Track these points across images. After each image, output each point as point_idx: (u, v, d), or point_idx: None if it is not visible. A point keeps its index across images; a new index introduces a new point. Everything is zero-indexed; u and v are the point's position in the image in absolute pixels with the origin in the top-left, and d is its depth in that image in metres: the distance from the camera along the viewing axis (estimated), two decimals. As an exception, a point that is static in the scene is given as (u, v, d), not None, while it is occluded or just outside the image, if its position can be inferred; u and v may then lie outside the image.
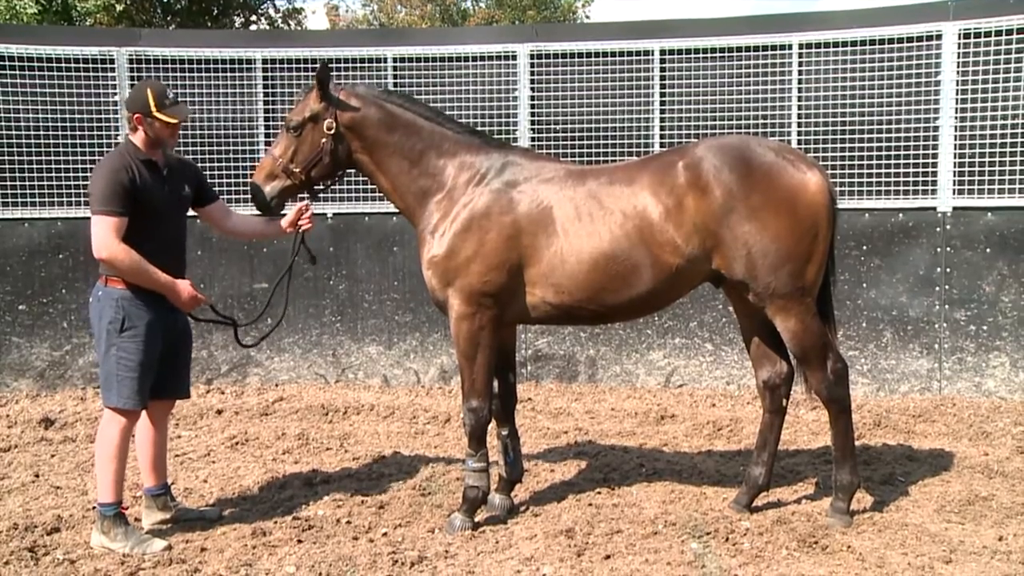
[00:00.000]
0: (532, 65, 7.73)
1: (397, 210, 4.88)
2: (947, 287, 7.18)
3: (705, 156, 4.27)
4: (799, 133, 7.42)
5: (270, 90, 7.91)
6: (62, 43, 7.82)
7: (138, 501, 4.75)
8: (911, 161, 7.17)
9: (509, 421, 4.78)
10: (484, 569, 3.97)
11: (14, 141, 7.66)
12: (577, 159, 7.52)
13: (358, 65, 7.86)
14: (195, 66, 7.85)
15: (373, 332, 7.96)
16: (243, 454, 5.91)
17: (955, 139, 7.07)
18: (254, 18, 21.55)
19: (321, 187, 4.75)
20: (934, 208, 7.18)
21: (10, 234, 7.75)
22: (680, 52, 7.57)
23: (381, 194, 4.92)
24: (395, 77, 7.84)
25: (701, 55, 7.55)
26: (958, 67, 7.02)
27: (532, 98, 7.74)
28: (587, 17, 32.06)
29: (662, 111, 7.61)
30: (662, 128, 7.62)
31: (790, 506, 4.75)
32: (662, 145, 7.55)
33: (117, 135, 7.70)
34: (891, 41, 7.19)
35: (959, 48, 7.01)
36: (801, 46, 7.38)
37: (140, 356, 4.20)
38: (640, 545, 4.19)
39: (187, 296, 4.32)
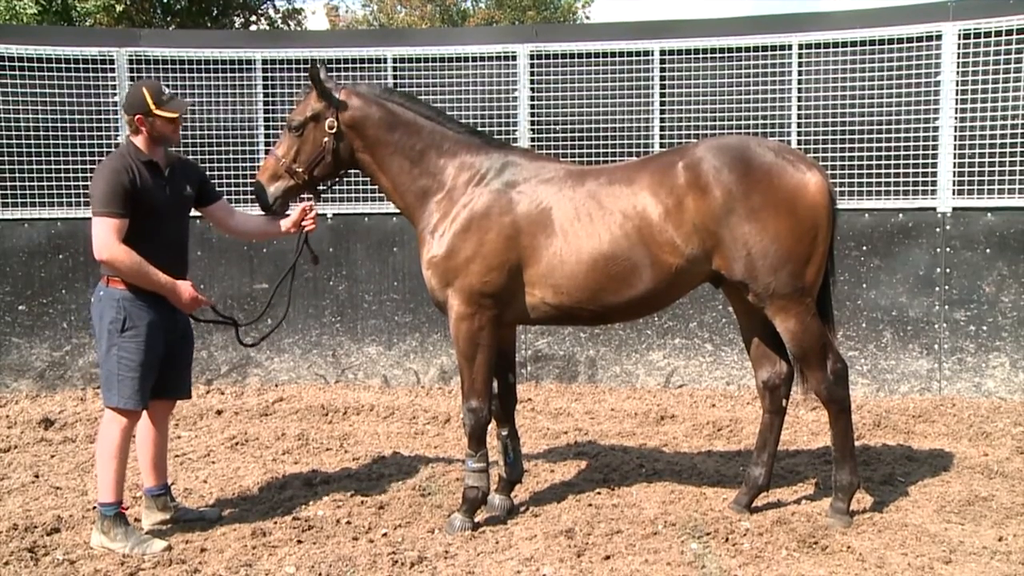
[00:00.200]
0: (532, 65, 7.74)
1: (397, 210, 4.89)
2: (947, 287, 7.18)
3: (705, 156, 4.27)
4: (799, 133, 7.42)
5: (270, 90, 7.92)
6: (62, 43, 7.83)
7: (138, 501, 4.75)
8: (911, 161, 7.17)
9: (509, 421, 4.79)
10: (484, 569, 3.97)
11: (14, 141, 7.66)
12: (577, 159, 7.52)
13: (358, 65, 7.86)
14: (195, 66, 7.85)
15: (373, 332, 7.96)
16: (243, 454, 5.91)
17: (955, 139, 7.07)
18: (254, 18, 21.53)
19: (323, 187, 4.77)
20: (934, 208, 7.18)
21: (10, 234, 7.76)
22: (680, 52, 7.57)
23: (381, 194, 4.93)
24: (395, 77, 7.84)
25: (701, 55, 7.55)
26: (958, 67, 7.02)
27: (532, 98, 7.74)
28: (587, 17, 32.07)
29: (662, 111, 7.61)
30: (662, 128, 7.62)
31: (790, 506, 4.75)
32: (662, 145, 7.55)
33: (117, 135, 7.70)
34: (891, 41, 7.19)
35: (959, 48, 7.01)
36: (801, 46, 7.38)
37: (141, 356, 4.21)
38: (640, 545, 4.19)
39: (188, 297, 4.32)
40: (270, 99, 7.91)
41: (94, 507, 4.51)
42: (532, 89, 7.74)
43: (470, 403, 4.47)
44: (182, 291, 4.30)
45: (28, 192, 7.70)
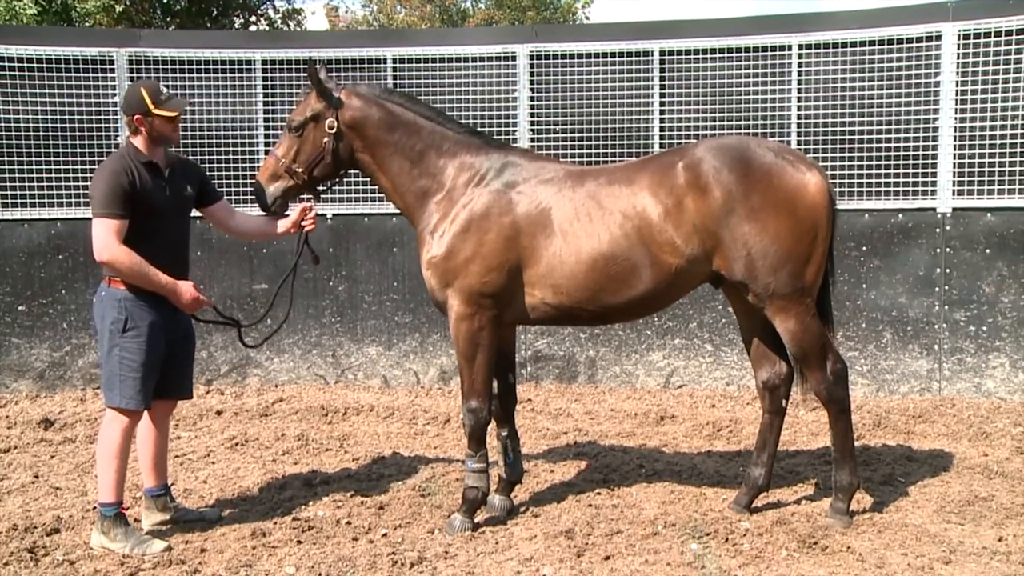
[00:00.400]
0: (532, 66, 7.74)
1: (397, 210, 4.89)
2: (947, 288, 7.18)
3: (705, 157, 4.27)
4: (799, 133, 7.42)
5: (270, 91, 7.92)
6: (62, 44, 7.83)
7: (138, 502, 4.75)
8: (911, 162, 7.17)
9: (509, 422, 4.79)
10: (484, 570, 3.97)
11: (14, 142, 7.66)
12: (577, 160, 7.52)
13: (358, 66, 7.87)
14: (195, 67, 7.85)
15: (373, 333, 7.96)
16: (243, 455, 5.91)
17: (955, 140, 7.07)
18: (253, 19, 21.55)
19: (323, 188, 4.78)
20: (934, 209, 7.18)
21: (10, 235, 7.76)
22: (680, 53, 7.57)
23: (381, 195, 4.93)
24: (395, 78, 7.84)
25: (701, 56, 7.55)
26: (958, 67, 7.02)
27: (532, 99, 7.74)
28: (587, 18, 32.10)
29: (662, 112, 7.61)
30: (662, 129, 7.62)
31: (790, 507, 4.75)
32: (662, 146, 7.55)
33: (117, 136, 7.70)
34: (891, 42, 7.19)
35: (959, 48, 7.01)
36: (801, 47, 7.38)
37: (142, 356, 4.21)
38: (640, 546, 4.19)
39: (189, 298, 4.32)
40: (270, 99, 7.91)
41: (94, 507, 4.52)
42: (532, 89, 7.74)
43: (470, 403, 4.47)
44: (183, 292, 4.30)
45: (28, 192, 7.70)
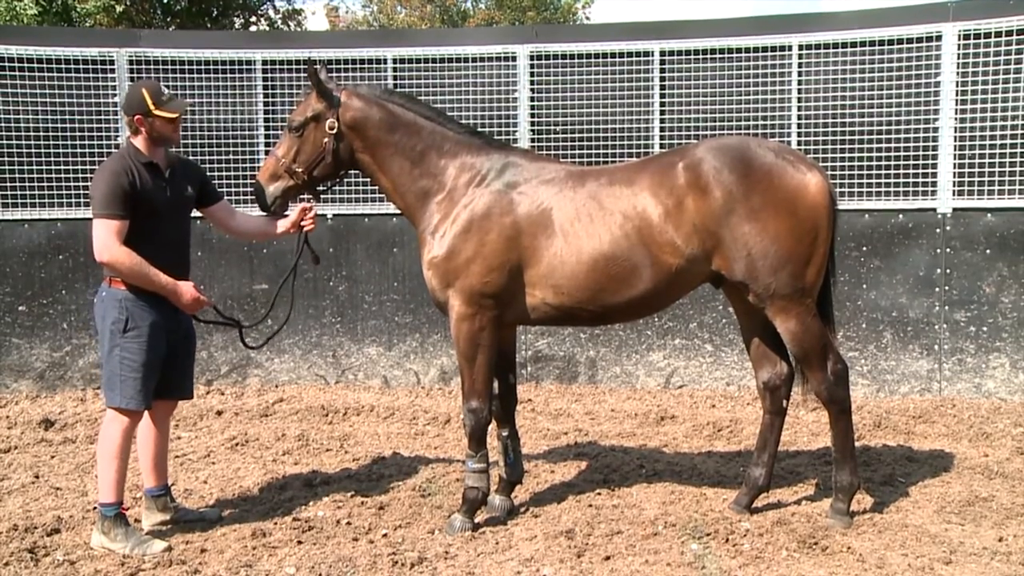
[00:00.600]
0: (532, 66, 7.74)
1: (397, 211, 4.88)
2: (947, 288, 7.18)
3: (705, 157, 4.27)
4: (799, 134, 7.41)
5: (270, 91, 7.92)
6: (62, 44, 7.83)
7: (138, 502, 4.75)
8: (911, 162, 7.17)
9: (509, 422, 4.79)
10: (484, 570, 3.97)
11: (14, 142, 7.66)
12: (577, 160, 7.52)
13: (358, 66, 7.86)
14: (195, 67, 7.85)
15: (373, 333, 7.96)
16: (243, 455, 5.91)
17: (955, 140, 7.07)
18: (254, 19, 21.54)
19: (323, 188, 4.78)
20: (934, 209, 7.18)
21: (10, 235, 7.76)
22: (680, 53, 7.57)
23: (381, 195, 4.93)
24: (395, 78, 7.84)
25: (701, 56, 7.55)
26: (958, 68, 7.02)
27: (532, 99, 7.74)
28: (587, 18, 32.10)
29: (662, 112, 7.61)
30: (662, 129, 7.62)
31: (790, 507, 4.75)
32: (662, 146, 7.55)
33: (117, 136, 7.70)
34: (891, 42, 7.19)
35: (959, 49, 7.01)
36: (801, 47, 7.38)
37: (143, 356, 4.21)
38: (640, 546, 4.19)
39: (189, 298, 4.33)
40: (270, 99, 7.91)
41: (94, 508, 4.52)
42: (532, 90, 7.74)
43: (470, 404, 4.47)
44: (183, 292, 4.30)
45: (28, 192, 7.70)
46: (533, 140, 7.73)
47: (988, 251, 7.09)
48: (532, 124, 7.76)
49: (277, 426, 6.62)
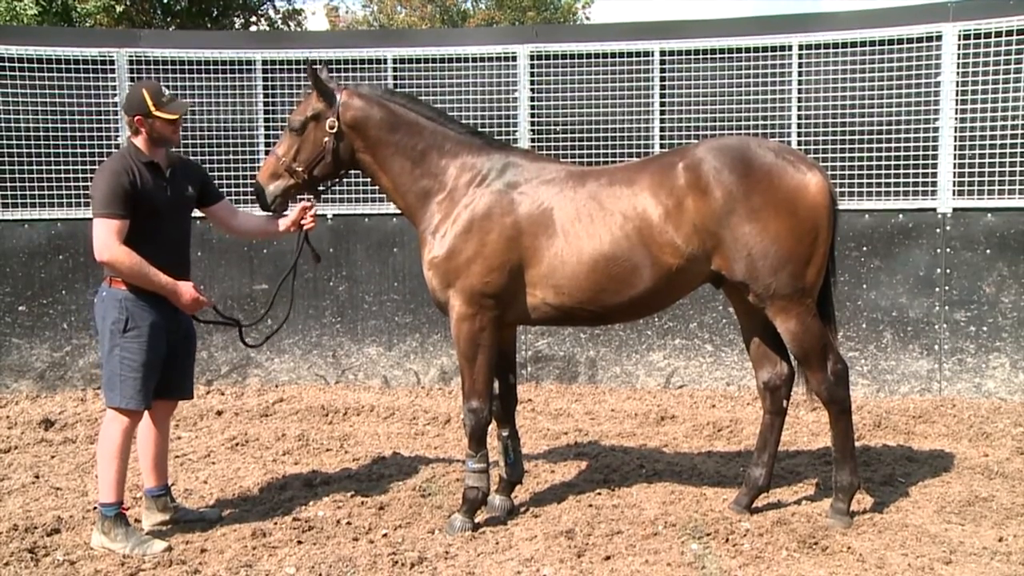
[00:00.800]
0: (532, 66, 7.74)
1: (397, 211, 4.89)
2: (947, 288, 7.18)
3: (705, 157, 4.27)
4: (799, 134, 7.41)
5: (270, 91, 7.92)
6: (62, 44, 7.83)
7: (138, 502, 4.75)
8: (911, 162, 7.17)
9: (509, 422, 4.79)
10: (484, 570, 3.97)
11: (14, 142, 7.66)
12: (577, 160, 7.52)
13: (358, 66, 7.87)
14: (195, 67, 7.85)
15: (373, 333, 7.96)
16: (243, 455, 5.91)
17: (955, 140, 7.07)
18: (254, 19, 21.55)
19: (323, 187, 4.78)
20: (934, 209, 7.18)
21: (10, 235, 7.76)
22: (680, 53, 7.57)
23: (381, 195, 4.93)
24: (395, 78, 7.84)
25: (701, 56, 7.55)
26: (958, 67, 7.02)
27: (532, 99, 7.74)
28: (587, 18, 32.09)
29: (662, 112, 7.61)
30: (662, 129, 7.62)
31: (790, 507, 4.75)
32: (662, 146, 7.55)
33: (117, 136, 7.71)
34: (891, 42, 7.19)
35: (959, 49, 7.01)
36: (801, 47, 7.38)
37: (143, 356, 4.21)
38: (640, 546, 4.19)
39: (189, 298, 4.32)
40: (270, 99, 7.91)
41: (94, 508, 4.52)
42: (532, 90, 7.74)
43: (471, 404, 4.47)
44: (183, 292, 4.30)
45: (28, 192, 7.70)
46: (533, 140, 7.73)
47: (988, 251, 7.09)
48: (532, 124, 7.76)
49: (277, 426, 6.62)
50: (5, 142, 7.65)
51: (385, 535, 4.39)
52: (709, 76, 7.55)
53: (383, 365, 7.94)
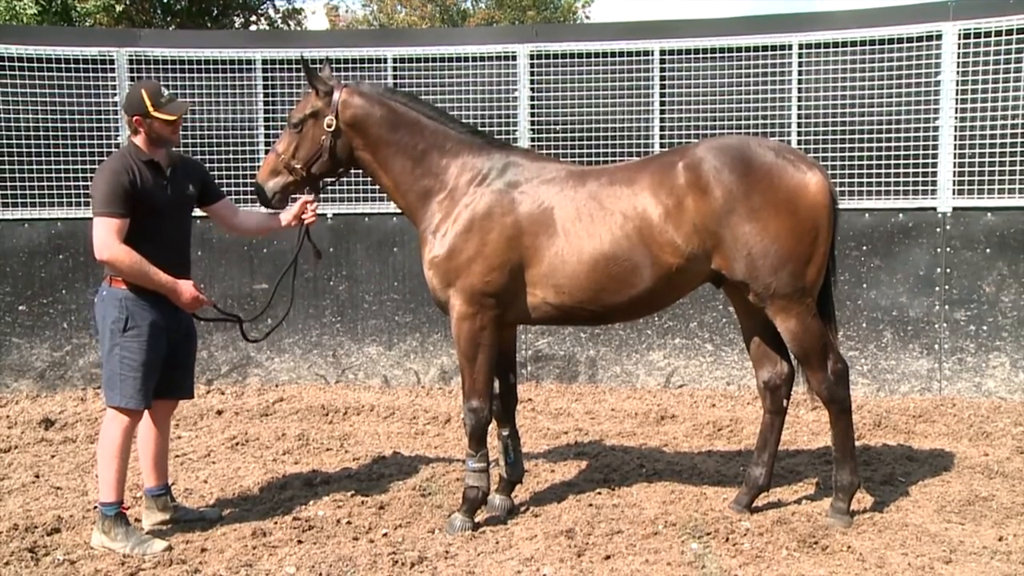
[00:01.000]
0: (532, 65, 7.74)
1: (397, 210, 4.89)
2: (947, 287, 7.18)
3: (705, 157, 4.27)
4: (799, 133, 7.42)
5: (270, 90, 7.92)
6: (62, 44, 7.83)
7: (138, 501, 4.76)
8: (911, 161, 7.17)
9: (509, 421, 4.79)
10: (484, 569, 3.97)
11: (14, 142, 7.66)
12: (577, 159, 7.52)
13: (358, 65, 7.87)
14: (195, 66, 7.85)
15: (373, 333, 7.96)
16: (243, 455, 5.91)
17: (955, 139, 7.07)
18: (254, 18, 21.54)
19: (322, 185, 4.78)
20: (934, 208, 7.18)
21: (10, 235, 7.76)
22: (680, 52, 7.57)
23: (381, 194, 4.93)
24: (395, 77, 7.84)
25: (701, 55, 7.55)
26: (958, 67, 7.02)
27: (532, 98, 7.74)
28: (587, 17, 32.07)
29: (662, 111, 7.61)
30: (662, 128, 7.62)
31: (790, 506, 4.75)
32: (662, 145, 7.56)
33: (117, 136, 7.71)
34: (891, 41, 7.20)
35: (959, 48, 7.01)
36: (801, 46, 7.38)
37: (143, 356, 4.21)
38: (640, 545, 4.19)
39: (189, 297, 4.32)
40: (270, 99, 7.91)
41: (95, 507, 4.52)
42: (532, 89, 7.74)
43: (471, 403, 4.47)
44: (183, 291, 4.30)
45: (28, 192, 7.70)
46: (533, 140, 7.73)
47: (988, 250, 7.09)
48: (532, 124, 7.76)
49: (277, 426, 6.62)
50: (5, 142, 7.65)
51: (385, 534, 4.39)
52: (709, 75, 7.55)
53: (383, 364, 7.94)
